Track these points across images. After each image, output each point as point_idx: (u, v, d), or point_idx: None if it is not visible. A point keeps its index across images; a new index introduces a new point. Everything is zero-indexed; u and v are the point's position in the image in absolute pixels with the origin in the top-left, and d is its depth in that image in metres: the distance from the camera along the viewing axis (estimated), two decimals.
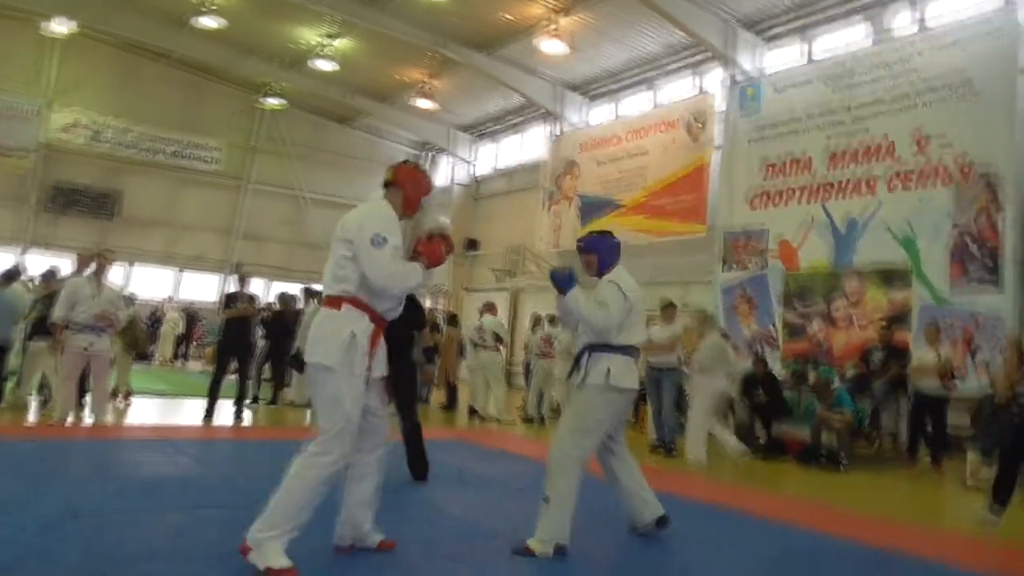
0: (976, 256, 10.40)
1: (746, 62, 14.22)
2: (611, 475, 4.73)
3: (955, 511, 7.21)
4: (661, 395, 9.20)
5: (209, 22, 17.13)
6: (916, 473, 8.82)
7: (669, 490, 6.53)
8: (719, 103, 14.60)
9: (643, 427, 11.03)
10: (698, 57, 15.72)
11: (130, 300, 12.18)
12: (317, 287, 12.76)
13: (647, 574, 4.23)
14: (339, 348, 3.56)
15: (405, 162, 4.16)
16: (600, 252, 4.61)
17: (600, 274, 4.57)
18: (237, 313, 9.40)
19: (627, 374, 4.41)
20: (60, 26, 18.43)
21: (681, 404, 9.94)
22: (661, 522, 4.66)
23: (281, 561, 3.34)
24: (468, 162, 23.17)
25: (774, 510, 6.05)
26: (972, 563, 4.84)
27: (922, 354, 9.31)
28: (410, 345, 5.90)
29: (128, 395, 10.50)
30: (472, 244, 22.26)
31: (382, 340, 3.77)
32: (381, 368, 3.78)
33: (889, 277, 11.33)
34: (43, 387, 9.28)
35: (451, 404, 12.67)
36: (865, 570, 4.56)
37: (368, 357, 3.64)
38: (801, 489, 7.55)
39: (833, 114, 12.35)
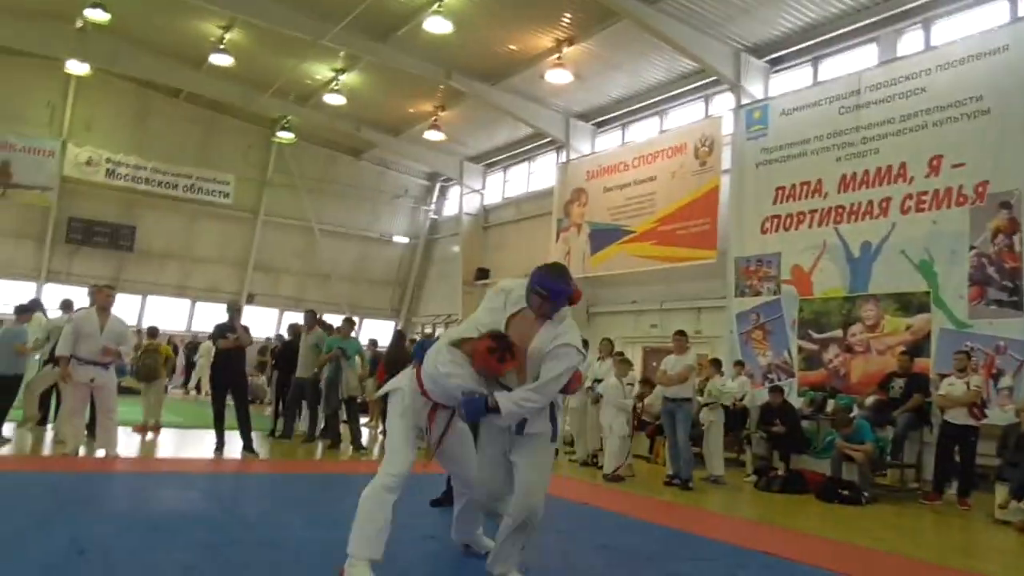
0: (995, 279, 10.20)
1: (754, 88, 14.20)
2: None
3: (987, 550, 6.87)
4: (676, 427, 9.06)
5: (221, 60, 17.34)
6: (941, 507, 8.54)
7: (685, 529, 6.42)
8: (727, 126, 14.59)
9: (658, 459, 10.90)
10: (705, 82, 15.74)
11: (153, 331, 12.21)
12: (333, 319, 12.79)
13: None
14: None
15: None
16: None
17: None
18: (230, 345, 9.33)
19: None
20: (76, 67, 18.79)
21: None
22: None
23: None
24: (478, 191, 23.24)
25: (798, 552, 5.83)
26: None
27: (950, 382, 8.93)
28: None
29: (157, 428, 10.49)
30: (483, 273, 22.25)
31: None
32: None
33: (907, 302, 11.13)
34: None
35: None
36: None
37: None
38: (823, 526, 7.34)
39: (843, 136, 12.25)
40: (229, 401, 9.47)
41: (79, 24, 16.82)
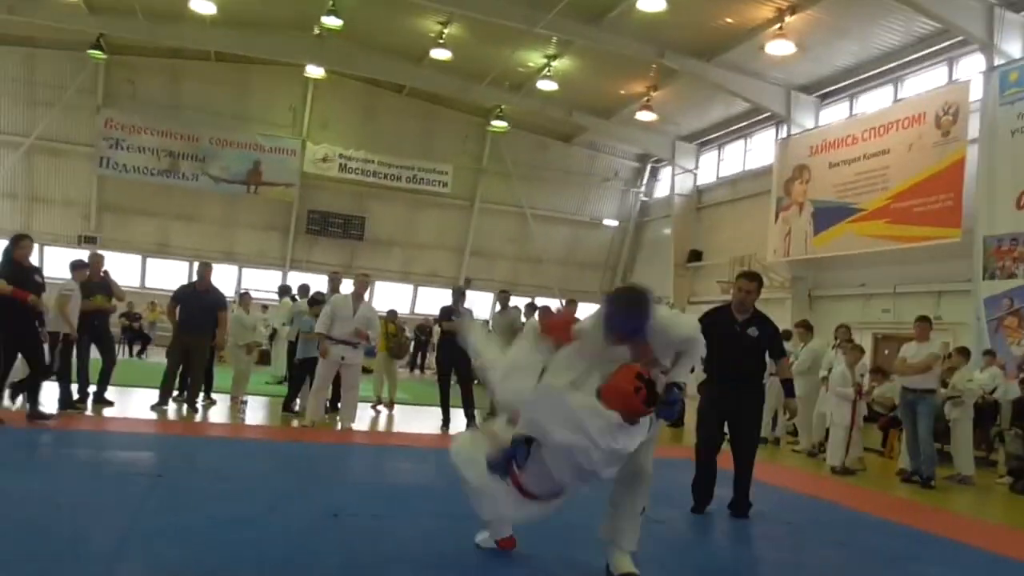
0: None
1: (1010, 47, 12.63)
2: None
3: None
4: (916, 421, 8.35)
5: (440, 54, 18.22)
6: None
7: (930, 529, 5.91)
8: (974, 92, 13.14)
9: (891, 453, 10.15)
10: (949, 43, 14.25)
11: (392, 314, 13.10)
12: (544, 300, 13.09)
13: None
14: None
15: None
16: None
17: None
18: (454, 327, 9.74)
19: None
20: (314, 71, 20.61)
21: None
22: None
23: None
24: (690, 171, 22.69)
25: None
26: None
27: None
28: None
29: (391, 405, 11.33)
30: (695, 255, 21.76)
31: None
32: None
33: None
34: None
35: (679, 420, 12.39)
36: None
37: None
38: None
39: None
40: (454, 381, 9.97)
41: (316, 31, 18.36)
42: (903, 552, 5.20)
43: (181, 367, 9.28)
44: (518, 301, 11.99)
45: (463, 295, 10.30)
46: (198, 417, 9.01)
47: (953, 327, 13.21)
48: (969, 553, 5.29)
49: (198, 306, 9.06)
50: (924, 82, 15.25)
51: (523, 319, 12.19)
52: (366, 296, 9.18)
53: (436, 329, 14.93)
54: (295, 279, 19.11)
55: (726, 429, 5.81)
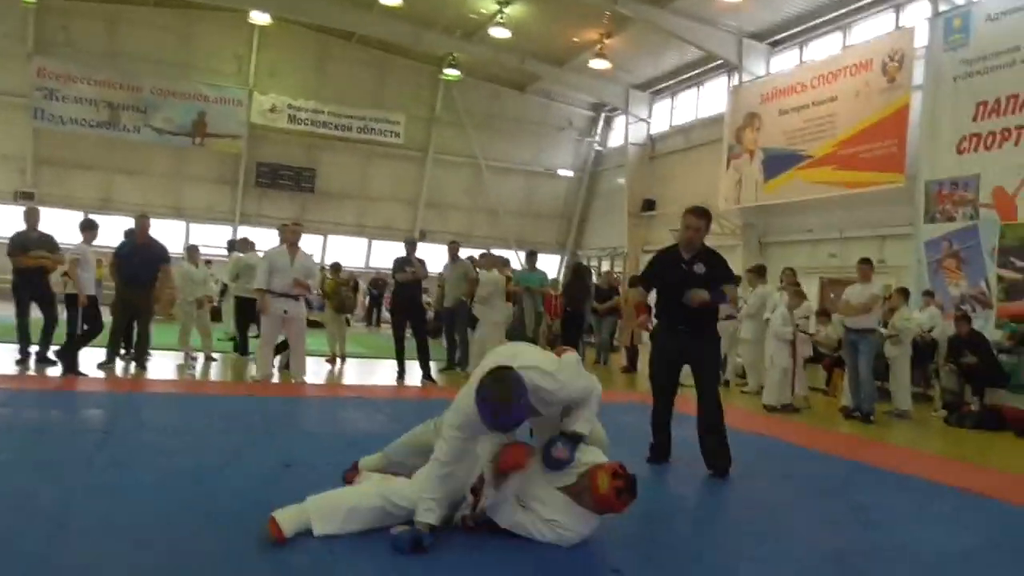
0: None
1: None
2: None
3: None
4: (858, 360, 8.64)
5: (390, 0, 17.78)
6: None
7: (870, 462, 6.19)
8: (919, 38, 13.30)
9: (835, 392, 10.50)
10: None
11: (336, 267, 12.96)
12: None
13: (870, 559, 3.72)
14: None
15: None
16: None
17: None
18: (408, 278, 9.68)
19: None
20: (259, 17, 19.95)
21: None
22: None
23: None
24: (644, 120, 22.69)
25: (998, 489, 5.49)
26: None
27: None
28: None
29: (343, 358, 11.29)
30: (649, 204, 21.91)
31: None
32: None
33: None
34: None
35: (632, 366, 12.65)
36: None
37: None
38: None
39: None
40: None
41: None
42: (844, 483, 5.44)
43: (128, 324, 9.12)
44: (474, 253, 11.94)
45: (415, 246, 10.22)
46: (148, 375, 8.89)
47: (896, 270, 13.60)
48: (906, 481, 5.54)
49: (139, 260, 8.88)
50: (872, 29, 15.37)
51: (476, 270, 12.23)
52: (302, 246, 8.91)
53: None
54: (245, 233, 18.81)
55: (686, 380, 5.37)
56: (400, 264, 9.87)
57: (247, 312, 10.00)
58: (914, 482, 5.52)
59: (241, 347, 10.59)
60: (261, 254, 9.53)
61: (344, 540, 3.33)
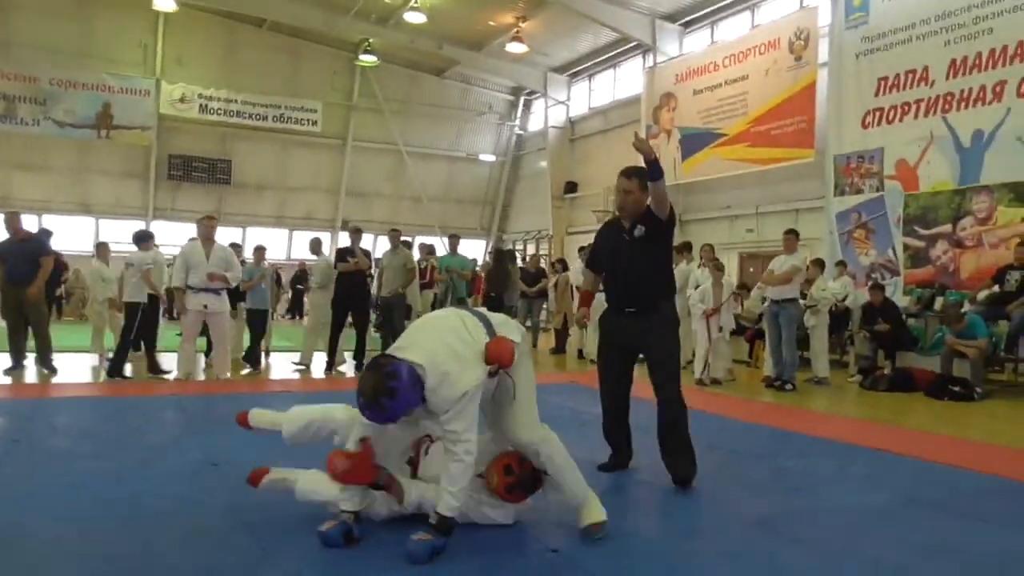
0: None
1: None
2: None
3: None
4: (779, 329, 8.93)
5: None
6: None
7: (791, 428, 6.43)
8: (823, 17, 13.74)
9: (758, 363, 10.83)
10: None
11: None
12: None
13: (795, 521, 3.86)
14: None
15: None
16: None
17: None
18: (350, 268, 9.63)
19: None
20: (163, 3, 19.08)
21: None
22: None
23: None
24: (563, 103, 22.82)
25: (908, 447, 5.77)
26: None
27: None
28: None
29: (267, 353, 11.04)
30: (571, 186, 22.10)
31: None
32: None
33: (1023, 191, 10.50)
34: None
35: (560, 348, 12.78)
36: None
37: None
38: (935, 423, 7.18)
39: (952, 17, 11.35)
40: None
41: None
42: (767, 449, 5.62)
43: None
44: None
45: (360, 234, 10.11)
46: (58, 378, 8.51)
47: (810, 242, 14.00)
48: (825, 445, 5.78)
49: (20, 257, 8.52)
50: (779, 8, 15.79)
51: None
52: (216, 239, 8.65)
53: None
54: (159, 228, 18.16)
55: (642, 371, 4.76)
56: (342, 254, 9.82)
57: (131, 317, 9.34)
58: (834, 446, 5.75)
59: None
60: (164, 249, 9.34)
61: (273, 538, 3.27)
